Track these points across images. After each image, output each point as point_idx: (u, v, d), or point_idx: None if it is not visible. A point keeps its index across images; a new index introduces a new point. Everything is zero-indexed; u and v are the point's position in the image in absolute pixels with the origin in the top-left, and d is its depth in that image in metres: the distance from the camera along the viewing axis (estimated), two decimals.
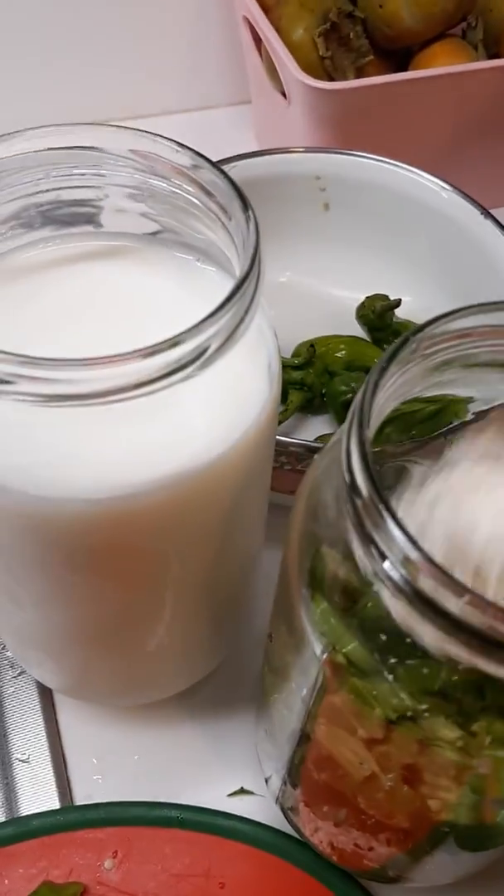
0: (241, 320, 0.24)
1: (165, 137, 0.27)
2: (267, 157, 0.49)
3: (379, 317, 0.50)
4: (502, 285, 0.46)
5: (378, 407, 0.24)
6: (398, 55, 0.57)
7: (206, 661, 0.38)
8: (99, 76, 0.63)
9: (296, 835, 0.35)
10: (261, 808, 0.37)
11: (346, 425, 0.23)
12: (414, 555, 0.20)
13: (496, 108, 0.52)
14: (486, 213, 0.47)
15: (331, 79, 0.53)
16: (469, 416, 0.34)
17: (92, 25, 0.60)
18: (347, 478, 0.21)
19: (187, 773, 0.38)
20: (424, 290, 0.51)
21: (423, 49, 0.55)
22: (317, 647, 0.24)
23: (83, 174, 0.28)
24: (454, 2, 0.52)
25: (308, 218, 0.51)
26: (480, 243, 0.47)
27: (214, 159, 0.47)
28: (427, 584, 0.19)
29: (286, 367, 0.49)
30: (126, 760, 0.39)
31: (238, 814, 0.37)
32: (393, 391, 0.25)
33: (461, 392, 0.32)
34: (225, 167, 0.48)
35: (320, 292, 0.53)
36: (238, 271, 0.25)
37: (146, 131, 0.27)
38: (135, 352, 0.22)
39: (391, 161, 0.48)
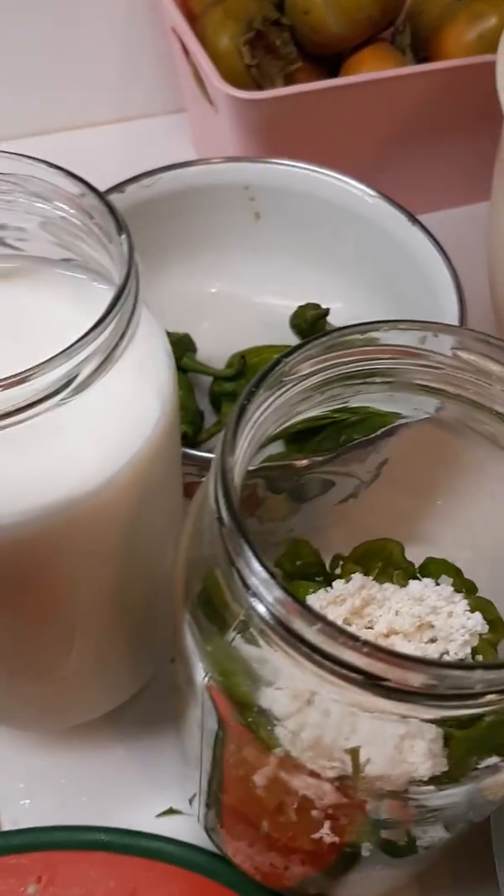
0: (117, 344, 0.24)
1: (49, 163, 0.27)
2: (194, 168, 0.49)
3: (311, 326, 0.49)
4: (430, 290, 0.46)
5: (256, 430, 0.24)
6: (329, 60, 0.56)
7: (130, 682, 0.37)
8: (34, 88, 0.62)
9: (221, 854, 0.35)
10: (189, 828, 0.37)
11: (214, 456, 0.23)
12: (270, 585, 0.19)
13: (424, 113, 0.52)
14: (413, 219, 0.46)
15: (258, 87, 0.53)
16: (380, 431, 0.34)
17: (24, 38, 0.60)
18: (213, 508, 0.21)
19: (116, 795, 0.38)
20: (357, 296, 0.51)
21: (352, 55, 0.55)
22: (200, 672, 0.24)
23: None
24: (379, 7, 0.52)
25: (239, 228, 0.51)
26: (409, 249, 0.47)
27: (151, 168, 0.48)
28: (283, 614, 0.19)
29: (219, 378, 0.48)
30: (54, 784, 0.38)
31: (167, 834, 0.36)
32: (273, 413, 0.25)
33: (381, 406, 0.32)
34: (151, 178, 0.48)
35: (253, 302, 0.52)
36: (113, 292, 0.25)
37: (31, 157, 0.27)
38: (2, 380, 0.22)
39: (318, 168, 0.48)
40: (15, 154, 0.26)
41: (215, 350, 0.50)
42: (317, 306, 0.50)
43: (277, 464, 0.37)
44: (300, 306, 0.50)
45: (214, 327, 0.52)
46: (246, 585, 0.20)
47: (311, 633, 0.19)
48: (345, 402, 0.29)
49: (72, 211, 0.27)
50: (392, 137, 0.53)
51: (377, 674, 0.19)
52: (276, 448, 0.48)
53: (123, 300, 0.24)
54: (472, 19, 0.52)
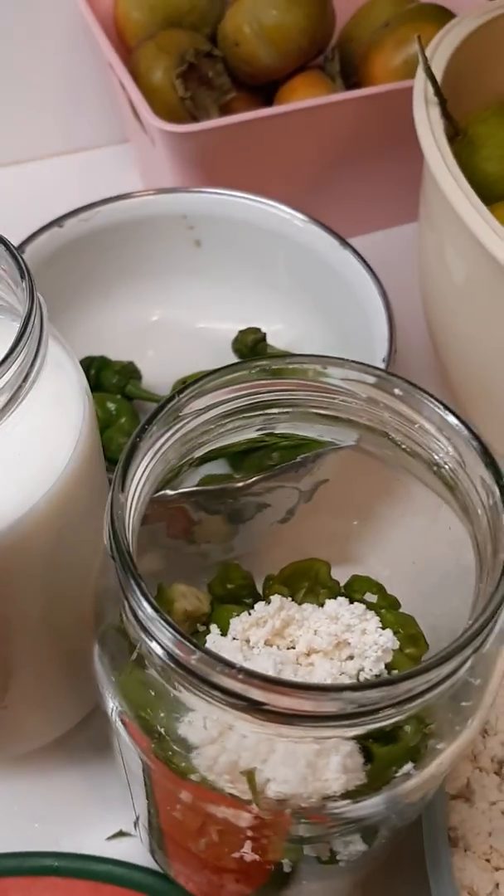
0: (22, 383, 0.25)
1: None
2: (131, 200, 0.50)
3: (251, 349, 0.50)
4: (362, 311, 0.47)
5: (159, 463, 0.25)
6: (265, 89, 0.58)
7: (73, 709, 0.38)
8: None
9: (166, 874, 0.36)
10: (139, 850, 0.37)
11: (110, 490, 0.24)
12: (152, 617, 0.20)
13: (355, 138, 0.53)
14: (344, 242, 0.48)
15: (194, 118, 0.54)
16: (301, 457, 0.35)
17: None
18: (106, 541, 0.22)
19: (68, 819, 0.39)
20: (296, 318, 0.52)
21: (286, 82, 0.56)
22: (109, 701, 0.24)
23: None
24: (307, 37, 0.54)
25: (180, 256, 0.52)
26: (340, 271, 0.48)
27: (91, 202, 0.49)
28: (167, 645, 0.20)
29: None
30: (6, 811, 0.39)
31: (117, 857, 0.37)
32: (175, 444, 0.26)
33: (312, 434, 0.33)
34: (90, 212, 0.49)
35: (197, 328, 0.54)
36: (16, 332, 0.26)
37: None
38: None
39: (250, 196, 0.49)
40: None
41: (161, 376, 0.51)
42: (257, 330, 0.51)
43: (207, 487, 0.38)
44: (240, 331, 0.51)
45: (159, 354, 0.53)
46: (137, 619, 0.21)
47: (192, 663, 0.20)
48: (268, 430, 0.31)
49: None
50: (325, 162, 0.54)
51: (256, 699, 0.20)
52: (218, 467, 0.49)
53: (26, 339, 0.25)
54: (398, 45, 0.54)
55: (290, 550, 0.38)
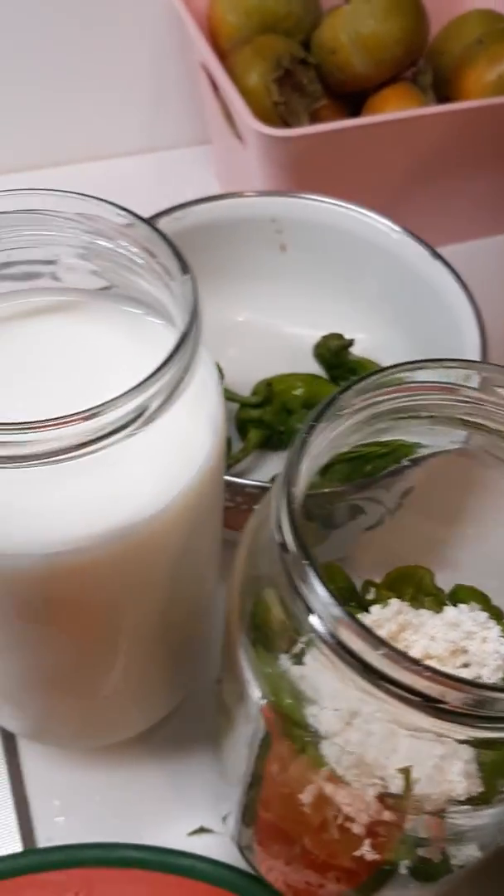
0: (182, 378, 0.25)
1: (108, 201, 0.28)
2: (223, 202, 0.50)
3: (334, 355, 0.51)
4: (452, 322, 0.47)
5: (311, 461, 0.25)
6: (352, 97, 0.58)
7: (165, 702, 0.38)
8: (63, 119, 0.64)
9: (254, 873, 0.36)
10: (220, 847, 0.38)
11: (276, 482, 0.24)
12: (335, 610, 0.20)
13: (445, 150, 0.53)
14: (435, 254, 0.48)
15: (285, 123, 0.54)
16: (406, 461, 0.36)
17: (55, 69, 0.62)
18: (277, 535, 0.22)
19: (148, 813, 0.39)
20: (378, 327, 0.52)
21: (376, 92, 0.56)
22: (256, 692, 0.25)
23: (33, 236, 0.29)
24: (403, 48, 0.54)
25: (265, 259, 0.53)
26: (430, 282, 0.48)
27: (175, 199, 0.49)
28: (348, 638, 0.20)
29: (245, 405, 0.50)
30: (88, 801, 0.39)
31: (198, 853, 0.37)
32: (327, 444, 0.26)
33: (409, 438, 0.33)
34: (182, 212, 0.50)
35: (278, 331, 0.54)
36: (179, 329, 0.26)
37: (91, 196, 0.28)
38: (76, 414, 0.23)
39: (343, 203, 0.50)
40: (85, 195, 0.28)
41: (240, 377, 0.52)
42: (340, 336, 0.51)
43: (316, 492, 0.38)
44: (324, 336, 0.51)
45: (240, 355, 0.53)
46: (310, 610, 0.21)
47: (374, 658, 0.20)
48: (378, 436, 0.31)
49: (134, 249, 0.28)
50: (413, 173, 0.55)
51: (436, 696, 0.20)
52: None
53: (190, 338, 0.25)
54: (492, 61, 0.54)
55: (379, 556, 0.39)
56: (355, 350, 0.52)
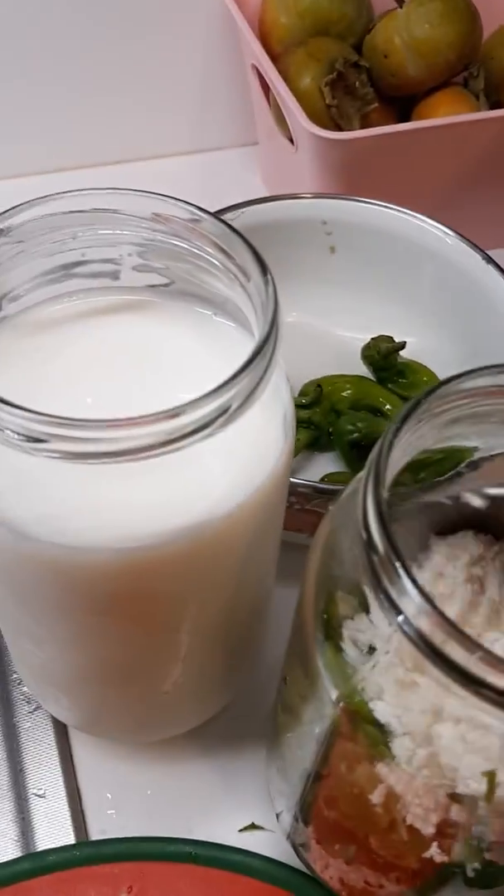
0: (261, 380, 0.26)
1: (185, 202, 0.28)
2: (275, 203, 0.51)
3: (384, 357, 0.51)
4: (502, 328, 0.47)
5: (393, 464, 0.25)
6: (402, 102, 0.58)
7: (218, 699, 0.39)
8: (113, 118, 0.64)
9: (307, 871, 0.36)
10: (271, 844, 0.38)
11: (362, 482, 0.24)
12: (428, 611, 0.21)
13: (494, 155, 0.53)
14: (489, 259, 0.48)
15: (337, 126, 0.55)
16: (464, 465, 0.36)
17: (107, 69, 0.62)
18: (364, 535, 0.23)
19: (199, 808, 0.39)
20: (428, 331, 0.52)
21: (427, 97, 0.57)
22: (332, 693, 0.25)
23: (106, 234, 0.30)
24: (456, 52, 0.54)
25: (315, 260, 0.53)
26: (482, 288, 0.48)
27: (221, 200, 0.50)
28: (440, 639, 0.20)
29: (295, 406, 0.50)
30: (140, 795, 0.39)
31: (249, 849, 0.37)
32: (406, 447, 0.26)
33: (466, 443, 0.33)
34: (235, 212, 0.50)
35: (327, 332, 0.54)
36: (257, 332, 0.26)
37: (167, 195, 0.29)
38: (161, 413, 0.23)
39: (395, 207, 0.50)
40: (161, 195, 0.28)
41: (290, 377, 0.52)
42: (390, 339, 0.51)
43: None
44: (373, 338, 0.52)
45: (288, 355, 0.53)
46: (398, 611, 0.21)
47: (470, 662, 0.20)
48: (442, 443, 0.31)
49: (209, 250, 0.28)
50: (464, 177, 0.55)
51: None
52: (334, 465, 0.50)
53: (270, 339, 0.25)
54: None
55: None
56: (403, 352, 0.52)
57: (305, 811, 0.32)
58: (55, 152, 0.64)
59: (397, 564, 0.21)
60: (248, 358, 0.25)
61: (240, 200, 0.50)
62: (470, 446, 0.37)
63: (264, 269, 0.27)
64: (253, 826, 0.39)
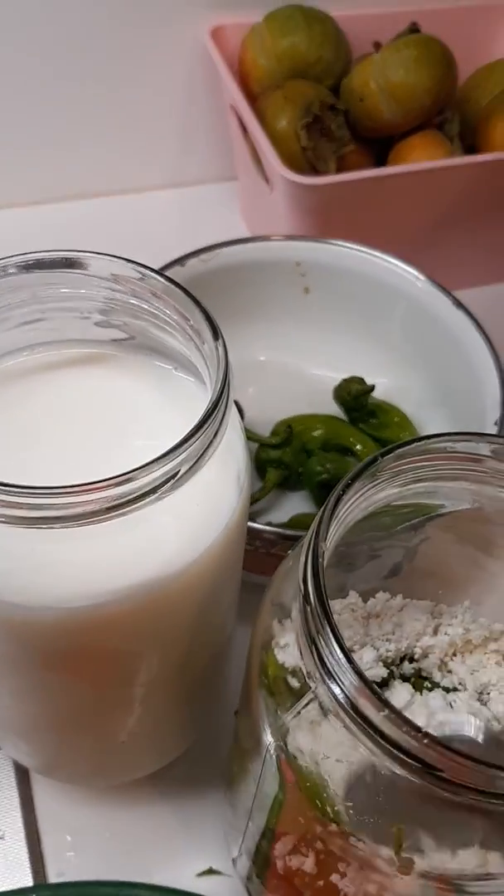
0: (211, 442, 0.26)
1: (141, 264, 0.29)
2: (250, 245, 0.51)
3: (354, 399, 0.51)
4: (472, 372, 0.48)
5: (345, 518, 0.26)
6: (379, 143, 0.59)
7: (177, 743, 0.39)
8: (93, 152, 0.65)
9: None
10: (228, 889, 0.38)
11: (306, 537, 0.24)
12: (345, 666, 0.21)
13: (470, 198, 0.54)
14: (458, 304, 0.49)
15: (312, 168, 0.55)
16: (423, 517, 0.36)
17: (87, 103, 0.63)
18: (301, 586, 0.23)
19: (158, 852, 0.39)
20: (399, 371, 0.53)
21: (403, 139, 0.57)
22: (269, 738, 0.25)
23: (68, 292, 0.30)
24: (431, 97, 0.55)
25: (289, 300, 0.53)
26: (452, 331, 0.49)
27: (201, 235, 0.50)
28: (355, 696, 0.21)
29: (264, 445, 0.50)
30: (99, 838, 0.39)
31: (206, 894, 0.37)
32: (364, 501, 0.27)
33: (433, 501, 0.34)
34: (210, 253, 0.51)
35: (300, 371, 0.55)
36: (209, 394, 0.27)
37: (124, 258, 0.29)
38: (108, 480, 0.24)
39: (368, 250, 0.50)
40: (118, 258, 0.29)
41: (260, 416, 0.53)
42: (361, 381, 0.52)
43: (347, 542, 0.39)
44: (344, 379, 0.52)
45: (260, 394, 0.54)
46: (323, 665, 0.22)
47: (378, 720, 0.21)
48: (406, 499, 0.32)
49: (166, 311, 0.29)
50: (437, 220, 0.56)
51: (433, 764, 0.21)
52: (305, 506, 0.50)
53: (221, 405, 0.26)
54: None
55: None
56: (375, 392, 0.53)
57: (257, 859, 0.33)
58: (38, 185, 0.64)
59: (325, 622, 0.22)
60: (197, 424, 0.25)
61: (219, 236, 0.51)
62: (436, 504, 0.37)
63: (216, 332, 0.27)
64: (211, 871, 0.39)
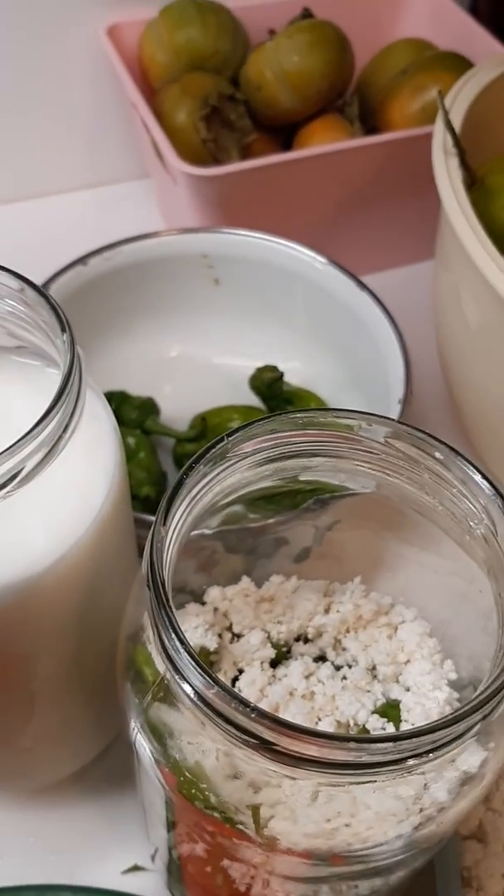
0: (61, 436, 0.26)
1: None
2: (153, 240, 0.51)
3: (268, 387, 0.51)
4: (378, 352, 0.48)
5: (202, 499, 0.26)
6: (284, 131, 0.59)
7: (93, 742, 0.39)
8: (5, 156, 0.65)
9: None
10: (154, 884, 0.38)
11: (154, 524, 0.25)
12: (179, 648, 0.21)
13: (372, 179, 0.54)
14: (361, 285, 0.49)
15: (215, 159, 0.55)
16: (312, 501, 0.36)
17: None
18: (145, 570, 0.23)
19: (83, 852, 0.39)
20: (312, 356, 0.53)
21: (305, 125, 0.57)
22: (131, 732, 0.25)
23: None
24: (327, 81, 0.55)
25: (199, 293, 0.53)
26: (357, 312, 0.49)
27: (119, 234, 0.50)
28: (187, 674, 0.21)
29: (181, 440, 0.50)
30: (21, 843, 0.39)
31: (132, 891, 0.37)
32: (219, 485, 0.27)
33: (333, 480, 0.34)
34: (112, 251, 0.51)
35: (214, 363, 0.55)
36: (56, 390, 0.27)
37: None
38: None
39: (271, 238, 0.50)
40: None
41: (179, 411, 0.53)
42: (274, 368, 0.52)
43: (235, 527, 0.39)
44: (258, 368, 0.52)
45: (176, 389, 0.54)
46: (164, 649, 0.22)
47: (209, 697, 0.21)
48: (294, 476, 0.32)
49: (20, 307, 0.29)
50: (342, 203, 0.56)
51: (267, 738, 0.21)
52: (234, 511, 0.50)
53: (65, 397, 0.25)
54: (416, 92, 0.55)
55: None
56: (292, 379, 0.53)
57: (163, 851, 0.33)
58: None
59: (163, 602, 0.22)
60: (37, 421, 0.25)
61: (136, 233, 0.51)
62: (336, 484, 0.37)
63: (63, 326, 0.27)
64: (136, 868, 0.39)
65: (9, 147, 0.64)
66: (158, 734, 0.24)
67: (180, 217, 0.59)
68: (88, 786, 0.41)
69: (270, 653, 0.31)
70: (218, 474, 0.27)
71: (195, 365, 0.54)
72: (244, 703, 0.20)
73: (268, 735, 0.20)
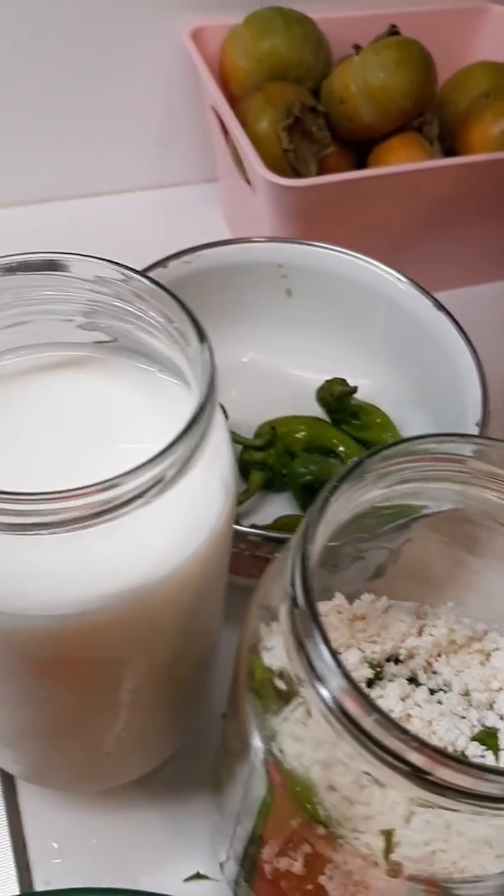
0: (197, 446, 0.26)
1: (125, 266, 0.29)
2: (231, 247, 0.51)
3: (337, 400, 0.51)
4: (453, 372, 0.48)
5: (331, 520, 0.26)
6: (359, 145, 0.59)
7: (164, 748, 0.39)
8: (75, 153, 0.65)
9: None
10: (216, 893, 0.38)
11: (294, 539, 0.24)
12: (334, 670, 0.21)
13: (449, 200, 0.55)
14: (439, 306, 0.49)
15: (294, 170, 0.55)
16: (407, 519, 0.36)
17: (70, 104, 0.63)
18: (290, 589, 0.23)
19: (145, 857, 0.39)
20: (381, 373, 0.53)
21: (383, 141, 0.57)
22: (257, 742, 0.25)
23: (52, 295, 0.30)
24: (411, 99, 0.55)
25: (271, 302, 0.53)
26: (433, 332, 0.49)
27: (182, 236, 0.50)
28: (343, 698, 0.21)
29: (248, 447, 0.50)
30: (85, 844, 0.39)
31: None
32: (350, 503, 0.27)
33: (415, 502, 0.34)
34: (192, 255, 0.51)
35: (282, 373, 0.55)
36: (196, 399, 0.27)
37: (107, 260, 0.29)
38: (93, 486, 0.24)
39: (349, 252, 0.50)
40: (103, 260, 0.28)
41: (243, 417, 0.53)
42: (344, 382, 0.52)
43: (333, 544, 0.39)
44: (327, 381, 0.52)
45: (243, 396, 0.54)
46: (312, 668, 0.22)
47: (367, 722, 0.21)
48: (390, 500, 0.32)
49: (151, 313, 0.29)
50: (418, 221, 0.56)
51: (422, 767, 0.21)
52: (290, 507, 0.50)
53: (207, 409, 0.25)
54: (498, 116, 0.55)
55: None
56: (357, 394, 0.53)
57: (246, 863, 0.32)
58: (20, 187, 0.64)
59: (312, 620, 0.22)
60: (183, 429, 0.25)
61: (201, 237, 0.51)
62: (419, 504, 0.37)
63: (202, 335, 0.27)
64: (198, 875, 0.39)
65: (84, 143, 0.64)
66: (285, 751, 0.24)
67: (251, 225, 0.59)
68: (152, 791, 0.41)
69: (368, 673, 0.31)
70: (352, 494, 0.27)
71: (263, 373, 0.54)
72: (403, 731, 0.20)
73: (424, 765, 0.20)
